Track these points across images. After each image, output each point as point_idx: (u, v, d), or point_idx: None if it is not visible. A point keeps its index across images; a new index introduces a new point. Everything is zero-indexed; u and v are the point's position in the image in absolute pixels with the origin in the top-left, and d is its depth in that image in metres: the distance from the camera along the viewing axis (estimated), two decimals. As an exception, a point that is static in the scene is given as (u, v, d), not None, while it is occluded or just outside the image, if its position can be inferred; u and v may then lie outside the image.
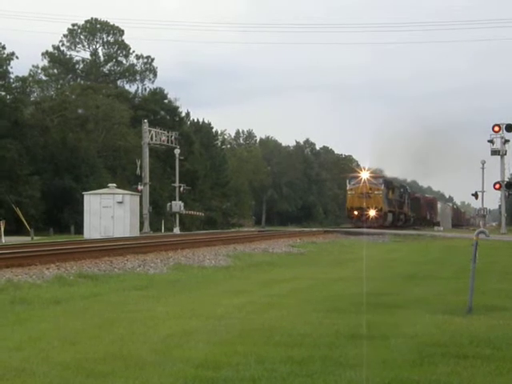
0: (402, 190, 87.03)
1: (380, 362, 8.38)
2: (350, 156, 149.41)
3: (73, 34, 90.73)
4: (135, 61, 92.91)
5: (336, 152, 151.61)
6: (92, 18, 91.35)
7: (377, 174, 72.44)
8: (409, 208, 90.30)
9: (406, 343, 9.46)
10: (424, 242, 45.29)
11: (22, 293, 14.53)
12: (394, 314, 11.99)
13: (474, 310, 12.26)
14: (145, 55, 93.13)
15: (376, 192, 69.92)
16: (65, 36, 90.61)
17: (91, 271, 19.40)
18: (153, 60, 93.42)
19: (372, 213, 67.66)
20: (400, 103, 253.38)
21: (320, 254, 30.45)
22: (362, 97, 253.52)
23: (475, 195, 65.07)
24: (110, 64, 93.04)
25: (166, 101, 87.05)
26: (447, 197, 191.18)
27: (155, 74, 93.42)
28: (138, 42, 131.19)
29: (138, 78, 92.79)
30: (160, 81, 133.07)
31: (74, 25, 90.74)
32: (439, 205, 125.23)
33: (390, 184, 76.53)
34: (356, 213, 68.57)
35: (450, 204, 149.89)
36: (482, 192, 65.02)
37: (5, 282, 16.09)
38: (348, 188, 72.03)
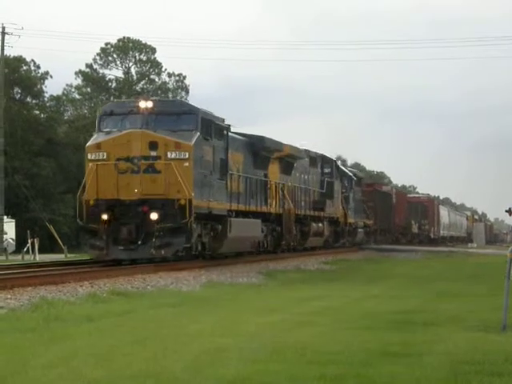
0: (327, 167, 43.93)
1: (414, 379, 8.33)
2: (382, 173, 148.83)
3: (106, 52, 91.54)
4: (167, 79, 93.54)
5: (368, 169, 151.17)
6: (124, 37, 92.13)
7: (188, 106, 27.25)
8: (347, 207, 47.56)
9: (439, 361, 9.40)
10: (457, 258, 44.98)
11: (56, 310, 14.62)
12: (427, 332, 11.92)
13: (509, 328, 12.15)
14: (176, 73, 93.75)
15: (173, 154, 24.96)
16: (98, 55, 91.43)
17: (124, 288, 19.47)
18: (185, 77, 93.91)
19: (154, 216, 24.28)
20: (439, 120, 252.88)
21: (352, 272, 30.33)
22: (405, 115, 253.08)
23: (509, 212, 64.44)
24: (142, 82, 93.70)
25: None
26: (480, 213, 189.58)
27: (187, 92, 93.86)
28: (176, 61, 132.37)
29: (170, 95, 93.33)
30: (196, 98, 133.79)
31: (106, 44, 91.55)
32: (443, 211, 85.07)
33: (259, 142, 31.91)
34: (105, 216, 24.52)
35: (469, 213, 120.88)
36: (516, 208, 64.31)
37: (39, 300, 16.20)
38: (89, 144, 26.17)
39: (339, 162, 50.43)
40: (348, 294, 19.01)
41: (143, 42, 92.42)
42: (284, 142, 34.95)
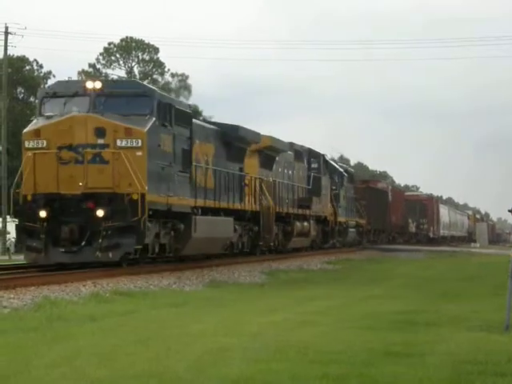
0: (314, 161, 41.44)
1: (416, 380, 8.33)
2: (385, 172, 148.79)
3: (109, 52, 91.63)
4: (170, 78, 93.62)
5: (370, 168, 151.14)
6: (127, 37, 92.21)
7: (142, 87, 23.80)
8: (336, 205, 44.87)
9: (442, 361, 9.40)
10: (460, 258, 44.97)
11: (59, 310, 14.64)
12: (429, 332, 11.92)
13: None
14: (179, 73, 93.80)
15: (123, 142, 21.78)
16: (101, 54, 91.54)
17: (127, 288, 19.48)
18: (187, 77, 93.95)
19: (100, 213, 21.27)
20: (442, 119, 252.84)
21: (355, 271, 30.34)
22: (406, 115, 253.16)
23: (512, 211, 64.29)
24: (145, 82, 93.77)
25: (201, 118, 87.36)
26: (483, 213, 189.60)
27: (190, 91, 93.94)
28: (177, 60, 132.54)
29: (173, 95, 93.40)
30: (199, 98, 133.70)
31: (110, 43, 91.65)
32: (443, 210, 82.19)
33: (232, 132, 28.99)
34: (44, 213, 21.40)
35: (470, 212, 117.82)
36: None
37: (42, 299, 16.21)
38: (26, 131, 22.86)
39: (328, 157, 46.22)
40: (350, 294, 19.02)
41: (146, 41, 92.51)
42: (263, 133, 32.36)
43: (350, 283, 23.45)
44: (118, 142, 21.80)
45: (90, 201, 21.59)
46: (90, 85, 22.43)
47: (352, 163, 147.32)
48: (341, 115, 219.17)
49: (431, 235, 73.27)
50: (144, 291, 19.22)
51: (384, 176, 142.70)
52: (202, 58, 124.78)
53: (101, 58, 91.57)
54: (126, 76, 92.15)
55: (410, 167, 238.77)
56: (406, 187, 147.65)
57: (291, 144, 37.50)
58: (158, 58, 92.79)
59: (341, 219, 46.35)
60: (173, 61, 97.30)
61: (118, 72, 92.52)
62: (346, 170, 50.22)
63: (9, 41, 53.63)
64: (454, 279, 25.02)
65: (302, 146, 39.92)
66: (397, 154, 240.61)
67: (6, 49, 53.79)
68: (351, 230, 49.70)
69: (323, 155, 43.16)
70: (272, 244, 33.49)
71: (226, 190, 28.09)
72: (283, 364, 9.06)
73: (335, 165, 47.79)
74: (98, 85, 22.44)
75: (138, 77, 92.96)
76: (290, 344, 10.47)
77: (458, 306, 16.02)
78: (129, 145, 21.83)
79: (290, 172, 37.09)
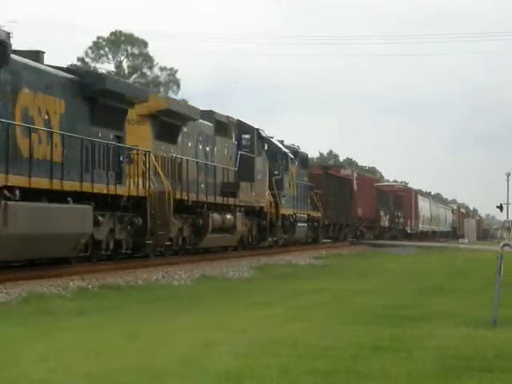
0: (246, 139, 32.99)
1: (404, 374, 8.34)
2: (374, 168, 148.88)
3: (97, 46, 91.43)
4: (159, 72, 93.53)
5: (360, 164, 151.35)
6: (117, 31, 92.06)
7: None
8: (279, 194, 36.55)
9: (429, 356, 9.42)
10: (448, 254, 45.11)
11: (47, 304, 14.61)
12: (417, 327, 11.94)
13: (499, 323, 12.19)
14: (168, 67, 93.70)
15: None
16: (90, 48, 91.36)
17: (115, 282, 19.47)
18: (176, 71, 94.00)
19: None
20: (428, 117, 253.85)
21: (344, 266, 30.38)
22: (397, 110, 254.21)
23: (500, 207, 64.58)
24: (134, 76, 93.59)
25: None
26: (472, 209, 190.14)
27: (179, 86, 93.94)
28: (167, 54, 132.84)
29: (162, 89, 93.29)
30: (190, 93, 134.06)
31: (99, 37, 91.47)
32: (423, 202, 75.11)
33: (96, 83, 20.51)
34: None
35: (455, 206, 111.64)
36: (507, 204, 64.53)
37: (30, 293, 16.17)
38: None
39: (265, 133, 36.08)
40: (340, 289, 19.05)
41: (135, 35, 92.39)
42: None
43: (340, 278, 23.49)
44: None
45: None
46: None
47: (341, 159, 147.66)
48: (335, 112, 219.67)
49: (408, 230, 67.77)
50: (132, 286, 19.21)
51: (373, 171, 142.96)
52: (195, 52, 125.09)
53: (89, 51, 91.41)
54: (114, 70, 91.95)
55: (400, 164, 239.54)
56: (395, 182, 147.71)
57: (210, 112, 29.56)
58: (146, 53, 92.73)
59: (285, 211, 37.60)
60: (165, 55, 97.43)
61: (106, 66, 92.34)
62: (294, 152, 40.61)
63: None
64: (443, 274, 25.08)
65: (227, 117, 31.38)
66: (386, 150, 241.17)
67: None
68: (301, 224, 40.64)
69: (258, 129, 33.87)
70: (171, 243, 26.06)
71: (86, 165, 20.16)
72: (272, 359, 9.06)
73: (278, 143, 38.56)
74: None
75: (126, 71, 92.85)
76: (279, 339, 10.47)
77: (447, 300, 16.08)
78: None
79: (208, 148, 28.87)
